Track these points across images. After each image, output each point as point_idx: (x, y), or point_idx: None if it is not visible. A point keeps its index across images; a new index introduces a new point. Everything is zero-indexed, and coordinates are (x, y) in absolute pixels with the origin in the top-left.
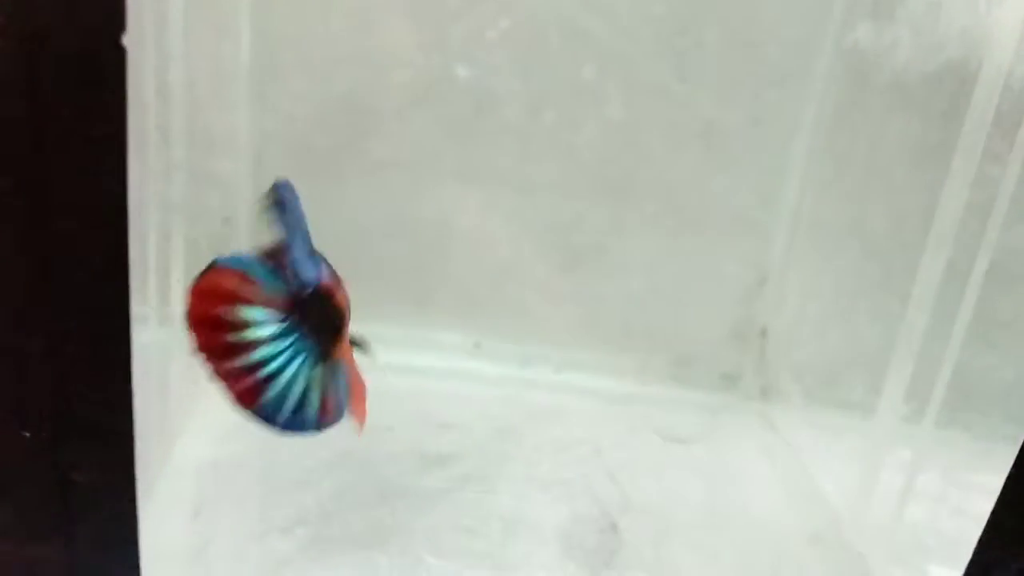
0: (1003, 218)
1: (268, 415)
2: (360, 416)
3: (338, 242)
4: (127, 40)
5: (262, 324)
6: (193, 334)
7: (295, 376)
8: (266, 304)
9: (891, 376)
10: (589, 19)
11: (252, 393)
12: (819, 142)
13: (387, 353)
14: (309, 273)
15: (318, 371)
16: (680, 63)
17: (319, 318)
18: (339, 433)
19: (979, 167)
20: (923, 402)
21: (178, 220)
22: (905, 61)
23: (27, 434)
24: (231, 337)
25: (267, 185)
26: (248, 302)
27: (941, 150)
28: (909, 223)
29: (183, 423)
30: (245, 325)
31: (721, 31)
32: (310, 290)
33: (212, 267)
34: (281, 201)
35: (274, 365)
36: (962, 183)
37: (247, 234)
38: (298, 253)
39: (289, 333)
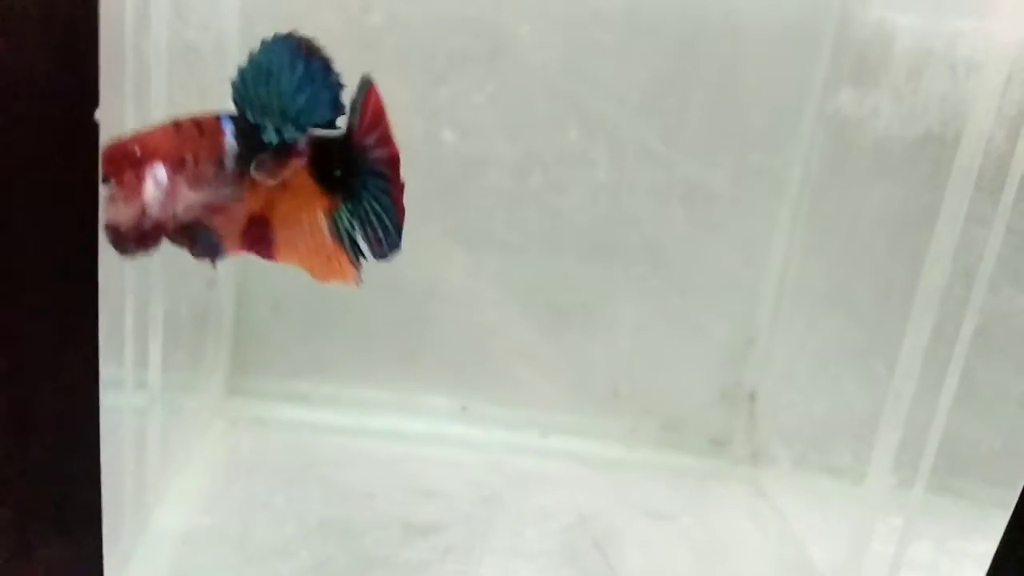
0: (989, 281)
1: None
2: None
3: (324, 304)
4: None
5: None
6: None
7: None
8: None
9: (880, 442)
10: (574, 83)
11: None
12: (804, 205)
13: (373, 417)
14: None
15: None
16: (665, 126)
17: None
18: (319, 501)
19: (963, 231)
20: (913, 468)
21: (158, 285)
22: (887, 127)
23: None
24: None
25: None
26: None
27: (925, 214)
28: (895, 287)
29: (161, 492)
30: None
31: (705, 95)
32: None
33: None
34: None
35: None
36: (946, 246)
37: (233, 299)
38: None
39: None
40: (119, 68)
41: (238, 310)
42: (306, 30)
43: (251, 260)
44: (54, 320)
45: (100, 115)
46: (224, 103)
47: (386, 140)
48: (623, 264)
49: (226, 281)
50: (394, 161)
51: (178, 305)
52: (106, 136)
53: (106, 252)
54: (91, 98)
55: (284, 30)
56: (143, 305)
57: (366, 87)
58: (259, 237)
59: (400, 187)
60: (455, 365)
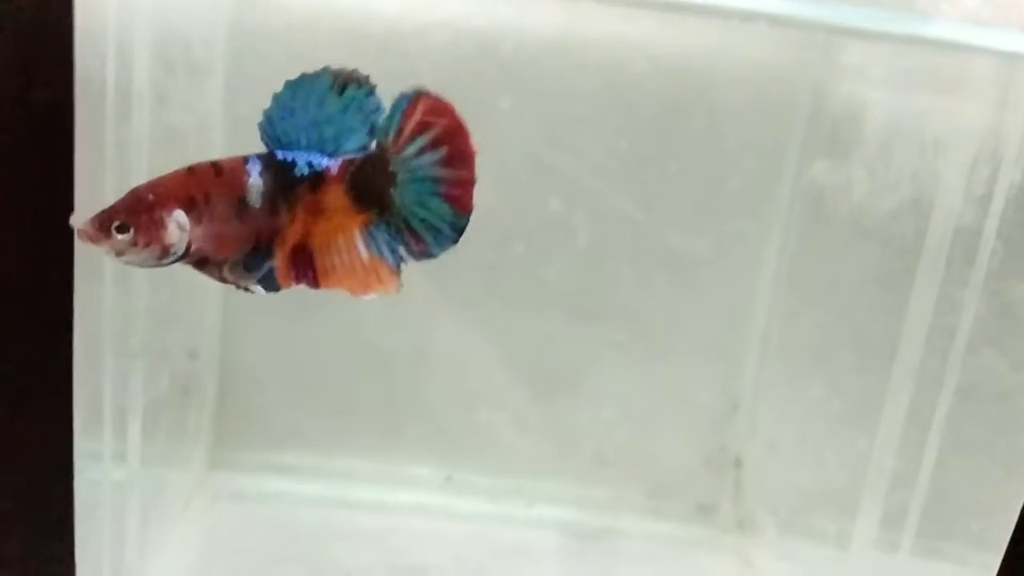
0: (968, 344)
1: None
2: None
3: (306, 374)
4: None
5: None
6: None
7: None
8: None
9: (864, 507)
10: (554, 154)
11: None
12: (784, 270)
13: (357, 488)
14: None
15: None
16: (644, 194)
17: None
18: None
19: (940, 295)
20: (898, 533)
21: (139, 356)
22: (861, 198)
23: None
24: None
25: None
26: None
27: (901, 280)
28: (873, 353)
29: (141, 569)
30: None
31: (684, 164)
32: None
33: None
34: None
35: None
36: (924, 312)
37: (215, 370)
38: None
39: None
40: (99, 160)
41: (221, 381)
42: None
43: (232, 329)
44: (26, 402)
45: (75, 220)
46: None
47: (459, 154)
48: (607, 330)
49: (209, 351)
50: (468, 157)
51: (159, 377)
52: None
53: (83, 325)
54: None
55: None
56: (123, 377)
57: (410, 99)
58: (304, 268)
59: (471, 182)
60: (439, 433)
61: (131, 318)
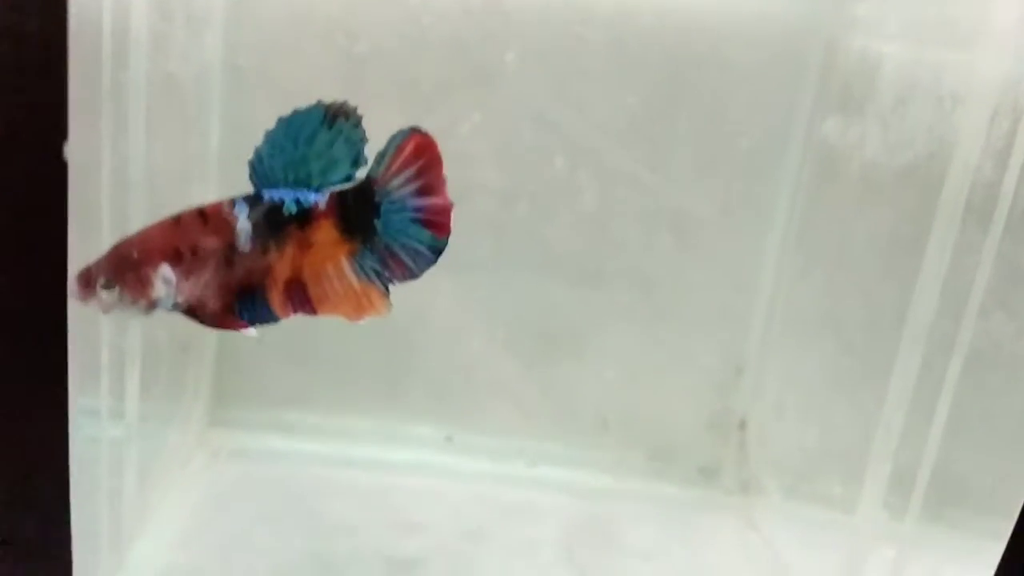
0: (979, 308)
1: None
2: None
3: (308, 333)
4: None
5: None
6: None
7: None
8: None
9: (871, 471)
10: (561, 111)
11: None
12: (792, 233)
13: (357, 447)
14: None
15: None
16: (652, 154)
17: None
18: (301, 535)
19: (953, 258)
20: (905, 497)
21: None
22: (874, 155)
23: None
24: None
25: None
26: None
27: (914, 241)
28: (884, 314)
29: (139, 526)
30: None
31: (692, 122)
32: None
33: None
34: None
35: None
36: (936, 274)
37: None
38: None
39: None
40: (96, 101)
41: (221, 339)
42: (291, 60)
43: None
44: (20, 349)
45: (70, 150)
46: (208, 134)
47: (434, 183)
48: (611, 292)
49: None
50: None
51: (158, 333)
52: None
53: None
54: (61, 129)
55: (270, 85)
56: (121, 333)
57: (405, 135)
58: (299, 299)
59: (448, 208)
60: (440, 394)
61: None
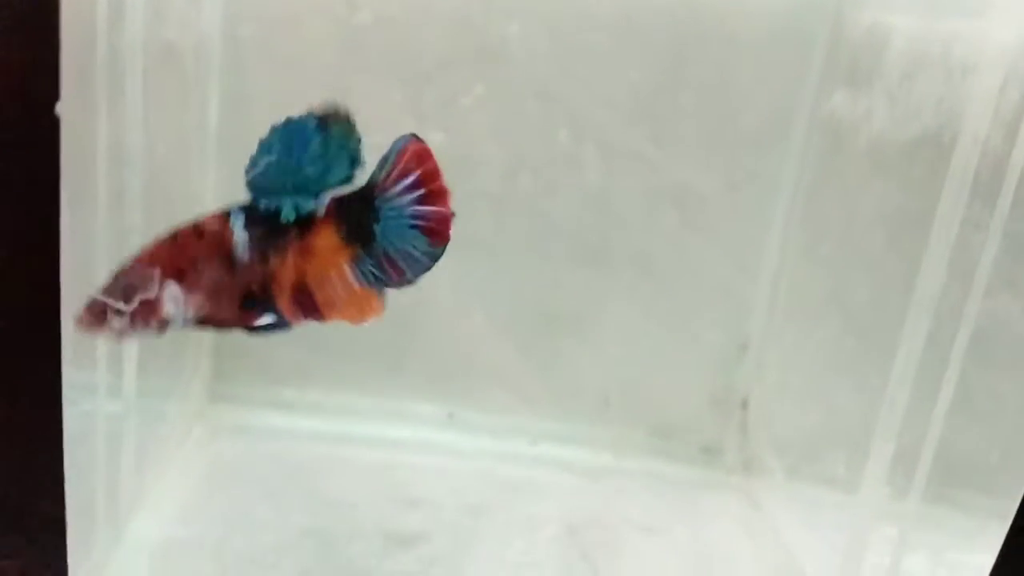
0: (985, 286)
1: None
2: None
3: None
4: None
5: None
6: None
7: None
8: None
9: (874, 451)
10: (564, 84)
11: None
12: (797, 209)
13: (358, 424)
14: None
15: None
16: (656, 128)
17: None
18: (301, 511)
19: (959, 234)
20: (908, 478)
21: None
22: (882, 129)
23: None
24: None
25: None
26: None
27: (920, 217)
28: (890, 292)
29: (137, 501)
30: None
31: (697, 96)
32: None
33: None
34: None
35: None
36: (942, 251)
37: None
38: None
39: None
40: (90, 65)
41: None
42: (292, 30)
43: None
44: (12, 322)
45: (62, 109)
46: (206, 107)
47: (436, 192)
48: (613, 269)
49: None
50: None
51: None
52: (73, 149)
53: (71, 252)
54: (52, 88)
55: (268, 76)
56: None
57: (405, 141)
58: (307, 305)
59: (448, 217)
60: (442, 371)
61: (126, 235)
